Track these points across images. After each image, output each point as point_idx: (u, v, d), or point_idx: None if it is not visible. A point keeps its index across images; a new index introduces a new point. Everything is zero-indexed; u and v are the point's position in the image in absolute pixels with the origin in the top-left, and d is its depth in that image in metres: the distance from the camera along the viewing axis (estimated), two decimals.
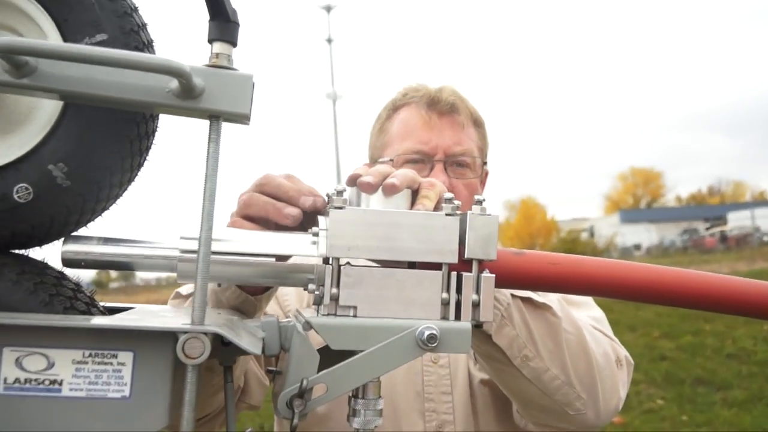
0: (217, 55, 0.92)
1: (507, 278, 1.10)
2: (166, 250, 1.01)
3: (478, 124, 2.04)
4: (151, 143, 1.05)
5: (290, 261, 1.06)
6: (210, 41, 0.93)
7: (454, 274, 1.03)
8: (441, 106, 1.97)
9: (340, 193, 1.01)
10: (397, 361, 0.99)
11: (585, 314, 1.77)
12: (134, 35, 0.98)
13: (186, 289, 1.60)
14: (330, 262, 1.01)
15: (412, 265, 1.06)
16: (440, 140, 1.94)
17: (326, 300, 0.99)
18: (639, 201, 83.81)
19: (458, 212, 1.03)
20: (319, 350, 1.00)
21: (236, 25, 0.93)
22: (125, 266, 1.00)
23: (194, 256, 1.01)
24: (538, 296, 1.48)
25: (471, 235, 1.03)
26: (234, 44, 0.94)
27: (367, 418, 1.03)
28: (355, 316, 1.01)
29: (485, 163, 2.06)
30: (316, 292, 1.01)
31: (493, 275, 1.04)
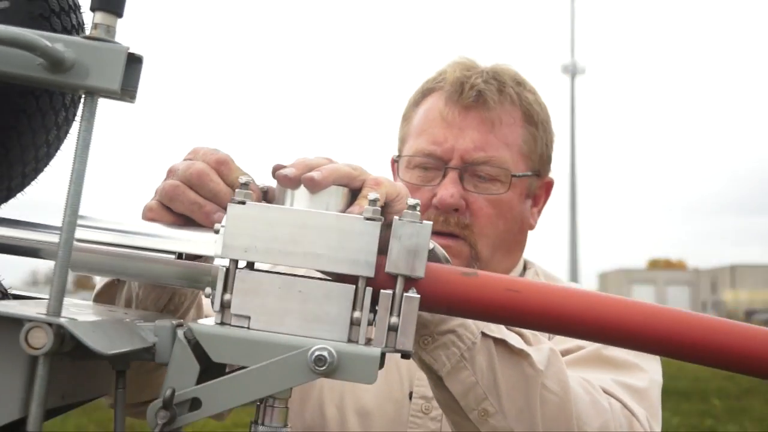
0: (96, 25, 0.86)
1: (454, 303, 0.96)
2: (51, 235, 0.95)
3: (531, 121, 1.69)
4: (68, 118, 0.99)
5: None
6: (92, 10, 0.86)
7: (370, 290, 0.90)
8: (466, 98, 1.63)
9: (244, 185, 0.91)
10: (285, 383, 0.89)
11: (612, 377, 1.44)
12: (40, 3, 0.92)
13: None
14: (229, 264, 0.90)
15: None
16: (458, 142, 1.62)
17: (216, 307, 0.90)
18: None
19: (380, 217, 0.89)
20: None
21: None
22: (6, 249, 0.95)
23: (87, 245, 0.95)
24: (532, 336, 1.25)
25: (395, 245, 0.91)
26: (118, 14, 0.87)
27: None
28: (248, 327, 0.89)
29: (537, 174, 1.72)
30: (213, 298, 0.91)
31: (418, 296, 0.91)
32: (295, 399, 1.65)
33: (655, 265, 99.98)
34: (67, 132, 1.02)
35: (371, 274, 0.90)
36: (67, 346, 0.81)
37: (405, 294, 0.91)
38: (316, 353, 0.87)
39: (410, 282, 0.92)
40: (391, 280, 0.91)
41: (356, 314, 0.90)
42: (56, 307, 0.82)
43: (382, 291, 0.90)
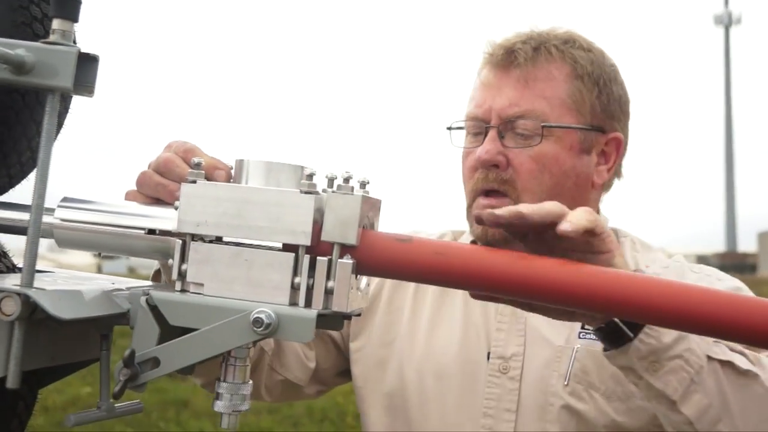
0: (54, 30, 0.99)
1: (389, 268, 1.05)
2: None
3: (577, 75, 1.68)
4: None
5: None
6: (50, 17, 0.99)
7: (308, 257, 1.00)
8: (502, 59, 1.67)
9: (197, 165, 1.03)
10: (230, 342, 1.01)
11: None
12: (22, 11, 1.06)
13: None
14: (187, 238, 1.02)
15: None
16: (495, 101, 1.66)
17: (174, 275, 1.02)
18: None
19: (316, 191, 0.99)
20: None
21: (76, 2, 0.97)
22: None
23: (72, 224, 1.08)
24: (748, 352, 1.32)
25: (329, 216, 1.01)
26: (74, 20, 0.99)
27: (233, 402, 1.06)
28: (201, 294, 1.01)
29: (596, 129, 1.70)
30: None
31: (351, 261, 1.01)
32: (374, 365, 1.77)
33: None
34: (60, 125, 1.15)
35: (308, 242, 1.00)
36: (41, 313, 0.94)
37: (339, 260, 1.00)
38: (255, 316, 0.98)
39: (346, 249, 1.01)
40: (329, 247, 1.01)
41: (297, 280, 1.00)
42: (28, 279, 0.96)
43: (318, 258, 1.00)
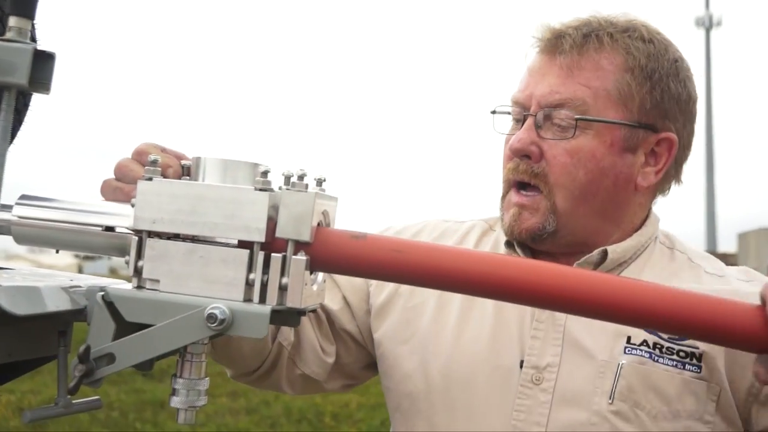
0: (11, 28, 1.00)
1: (344, 264, 1.06)
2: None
3: (629, 68, 1.55)
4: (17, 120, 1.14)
5: None
6: (7, 14, 1.00)
7: (262, 254, 1.01)
8: (549, 45, 1.58)
9: (153, 162, 1.04)
10: (185, 338, 1.02)
11: None
12: None
13: None
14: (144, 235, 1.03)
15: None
16: (537, 88, 1.56)
17: (131, 272, 1.03)
18: None
19: (270, 188, 1.00)
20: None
21: (33, 0, 0.98)
22: None
23: (30, 221, 1.09)
24: None
25: (283, 212, 1.03)
26: (30, 17, 1.00)
27: (189, 398, 1.06)
28: (157, 290, 1.02)
29: (645, 127, 1.56)
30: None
31: (304, 258, 1.01)
32: (392, 362, 1.69)
33: None
34: (21, 121, 1.16)
35: (262, 239, 1.01)
36: None
37: (293, 257, 1.01)
38: (209, 311, 0.99)
39: (300, 245, 1.02)
40: (284, 244, 1.02)
41: (251, 276, 1.02)
42: None
43: (273, 254, 1.01)
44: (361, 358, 1.79)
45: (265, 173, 1.02)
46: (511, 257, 1.05)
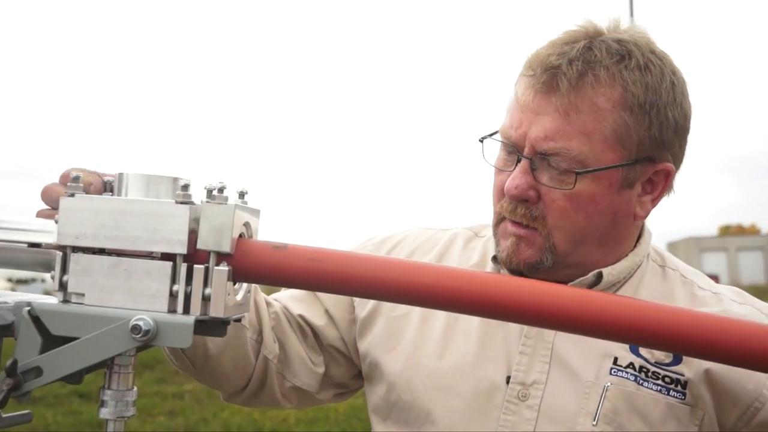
0: None
1: (265, 274, 1.09)
2: None
3: (626, 104, 1.47)
4: None
5: None
6: None
7: (185, 266, 1.04)
8: (542, 80, 1.48)
9: (75, 179, 1.06)
10: (111, 350, 1.03)
11: None
12: None
13: None
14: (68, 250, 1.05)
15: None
16: (531, 129, 1.48)
17: (56, 286, 1.04)
18: None
19: (191, 201, 1.03)
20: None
21: None
22: None
23: None
24: None
25: (204, 225, 1.05)
26: None
27: (117, 408, 1.07)
28: (82, 303, 1.03)
29: (645, 161, 1.52)
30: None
31: (227, 268, 1.05)
32: (374, 373, 1.71)
33: (726, 231, 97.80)
34: None
35: (184, 251, 1.04)
36: None
37: (216, 267, 1.04)
38: (133, 323, 1.01)
39: (222, 257, 1.05)
40: (206, 255, 1.04)
41: (175, 288, 1.04)
42: None
43: (195, 266, 1.04)
44: (349, 369, 1.80)
45: (185, 187, 1.05)
46: (420, 263, 1.08)
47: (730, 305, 1.57)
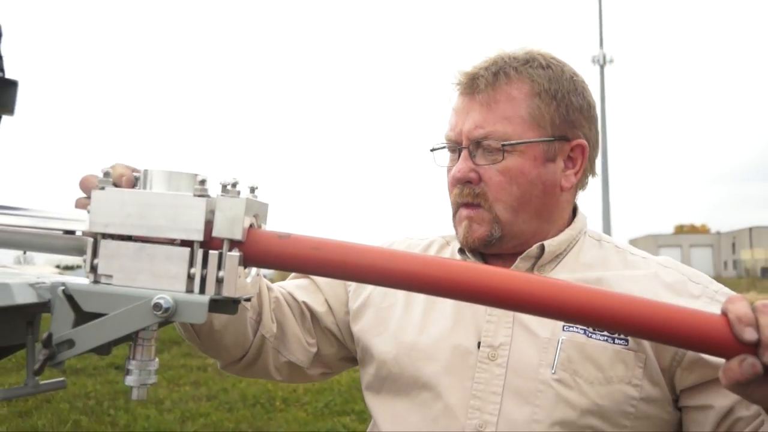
0: None
1: (271, 260, 1.08)
2: None
3: (535, 92, 1.63)
4: None
5: None
6: None
7: (201, 251, 1.03)
8: (467, 86, 1.66)
9: (106, 174, 1.05)
10: (135, 324, 1.02)
11: None
12: None
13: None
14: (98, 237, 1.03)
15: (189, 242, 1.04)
16: (464, 125, 1.64)
17: (87, 268, 1.03)
18: None
19: (207, 194, 1.01)
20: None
21: None
22: None
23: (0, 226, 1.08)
24: None
25: (218, 215, 1.04)
26: None
27: (141, 376, 1.06)
28: (110, 284, 1.02)
29: (559, 138, 1.64)
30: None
31: (238, 254, 1.04)
32: (366, 354, 1.75)
33: (680, 230, 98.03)
34: None
35: (201, 238, 1.02)
36: None
37: (228, 253, 1.03)
38: (155, 301, 1.00)
39: (234, 244, 1.04)
40: (220, 242, 1.03)
41: (192, 270, 1.03)
42: None
43: (210, 251, 1.02)
44: (338, 352, 1.85)
45: (202, 182, 1.03)
46: (409, 253, 1.07)
47: (657, 268, 1.64)
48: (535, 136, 1.62)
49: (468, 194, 1.63)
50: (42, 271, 1.26)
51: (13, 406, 7.34)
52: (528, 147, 1.61)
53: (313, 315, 1.81)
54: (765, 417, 1.31)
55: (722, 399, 1.46)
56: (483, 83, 1.62)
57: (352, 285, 1.82)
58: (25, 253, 1.13)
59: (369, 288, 1.80)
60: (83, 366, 9.35)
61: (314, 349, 1.80)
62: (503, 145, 1.59)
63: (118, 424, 7.11)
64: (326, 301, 1.82)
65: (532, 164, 1.62)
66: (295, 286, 1.85)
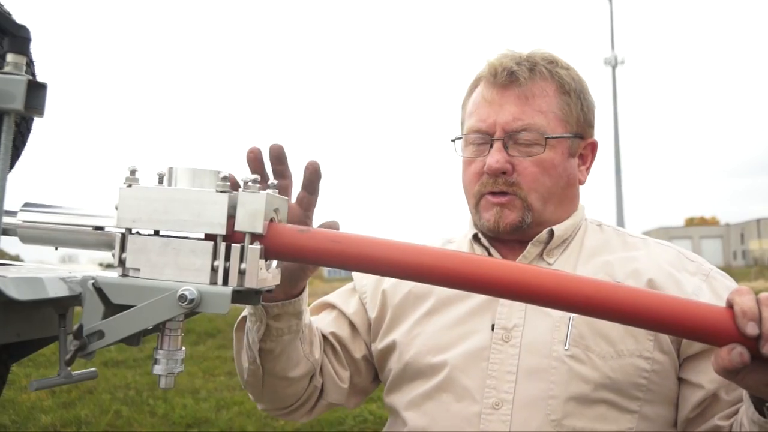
0: (9, 63, 0.98)
1: (292, 253, 1.07)
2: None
3: (564, 91, 1.66)
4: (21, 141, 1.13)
5: None
6: (6, 52, 0.98)
7: (224, 245, 1.02)
8: (502, 79, 1.63)
9: (132, 172, 1.03)
10: (162, 315, 1.01)
11: None
12: None
13: (330, 297, 1.86)
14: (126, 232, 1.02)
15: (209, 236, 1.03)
16: (499, 116, 1.62)
17: (116, 262, 1.02)
18: None
19: (229, 190, 1.00)
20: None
21: (24, 39, 0.97)
22: None
23: (33, 224, 1.08)
24: None
25: (240, 210, 1.02)
26: (24, 54, 0.98)
27: (168, 365, 1.05)
28: (137, 277, 1.00)
29: (579, 136, 1.68)
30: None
31: (260, 247, 1.02)
32: (382, 355, 1.74)
33: (691, 222, 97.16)
34: (24, 142, 1.15)
35: (223, 232, 1.01)
36: (3, 297, 0.94)
37: (250, 246, 1.01)
38: (181, 293, 0.98)
39: (255, 237, 1.02)
40: (242, 236, 1.02)
41: (215, 263, 1.01)
42: None
43: (233, 245, 1.01)
44: (368, 374, 1.81)
45: (224, 178, 1.02)
46: (425, 246, 1.05)
47: (655, 246, 1.69)
48: (564, 131, 1.65)
49: (503, 184, 1.61)
50: (85, 269, 1.25)
51: (56, 398, 7.41)
52: (559, 142, 1.64)
53: (342, 345, 1.76)
54: (747, 403, 1.28)
55: (712, 383, 1.47)
56: (522, 77, 1.62)
57: (367, 296, 1.79)
58: (57, 248, 1.12)
59: (380, 294, 1.77)
60: (123, 358, 9.41)
61: (346, 385, 1.76)
62: (546, 138, 1.61)
63: (156, 413, 7.14)
64: (350, 322, 1.78)
65: (561, 158, 1.65)
66: (319, 320, 1.79)
